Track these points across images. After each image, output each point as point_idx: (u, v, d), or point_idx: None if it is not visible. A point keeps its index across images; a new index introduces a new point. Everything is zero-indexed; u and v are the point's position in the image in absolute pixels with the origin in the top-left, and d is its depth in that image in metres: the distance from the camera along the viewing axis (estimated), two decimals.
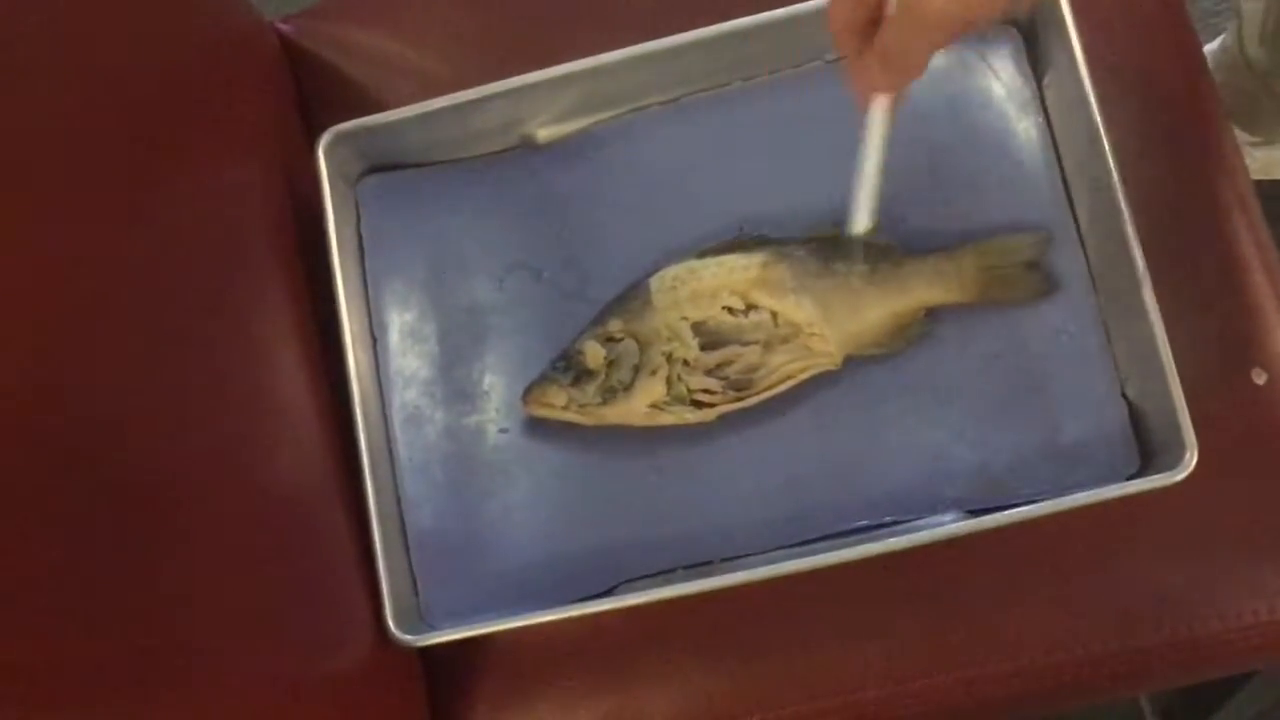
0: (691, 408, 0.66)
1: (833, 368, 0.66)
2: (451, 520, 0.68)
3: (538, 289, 0.70)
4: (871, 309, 0.65)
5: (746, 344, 0.66)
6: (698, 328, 0.66)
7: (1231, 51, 1.07)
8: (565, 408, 0.67)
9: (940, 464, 0.65)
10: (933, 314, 0.66)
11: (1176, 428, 0.61)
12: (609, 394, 0.66)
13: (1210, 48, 1.10)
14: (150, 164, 0.59)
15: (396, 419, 0.69)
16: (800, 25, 0.67)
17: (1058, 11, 0.65)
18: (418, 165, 0.73)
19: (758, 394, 0.66)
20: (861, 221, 0.62)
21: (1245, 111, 1.09)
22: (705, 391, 0.66)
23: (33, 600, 0.44)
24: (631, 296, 0.67)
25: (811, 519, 0.66)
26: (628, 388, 0.66)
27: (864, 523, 0.65)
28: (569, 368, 0.67)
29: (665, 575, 0.66)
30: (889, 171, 0.64)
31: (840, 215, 0.67)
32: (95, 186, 0.54)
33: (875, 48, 0.53)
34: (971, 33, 0.52)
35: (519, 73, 0.68)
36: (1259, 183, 0.71)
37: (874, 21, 0.54)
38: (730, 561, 0.66)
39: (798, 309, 0.65)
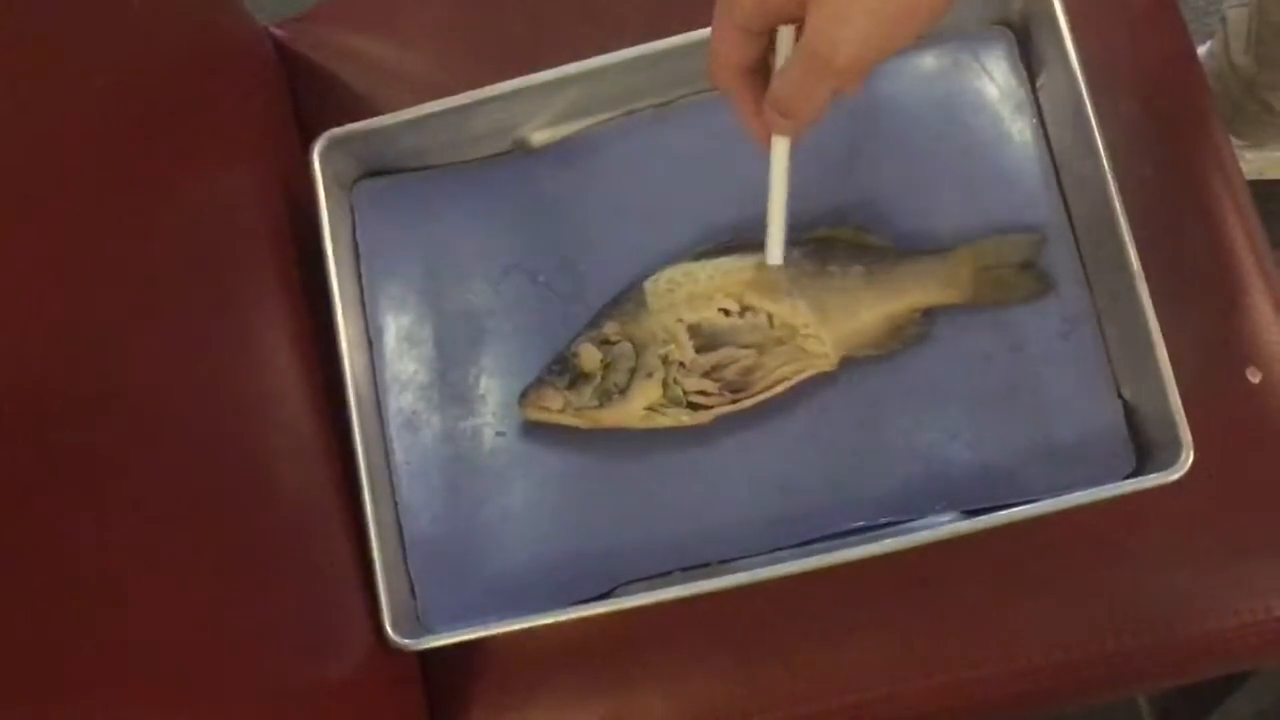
0: (688, 410, 0.66)
1: (829, 369, 0.66)
2: (449, 523, 0.68)
3: (533, 292, 0.70)
4: (867, 310, 0.66)
5: (742, 346, 0.66)
6: (693, 330, 0.66)
7: (1218, 58, 1.08)
8: (562, 411, 0.67)
9: (936, 465, 0.65)
10: (928, 315, 0.66)
11: (1172, 427, 0.61)
12: (605, 397, 0.66)
13: (1198, 53, 1.10)
14: (144, 169, 0.59)
15: (393, 423, 0.69)
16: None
17: (1051, 11, 0.65)
18: (412, 170, 0.73)
19: (754, 396, 0.66)
20: (774, 255, 0.61)
21: (1232, 117, 1.10)
22: (701, 394, 0.66)
23: (31, 604, 0.44)
24: (627, 299, 0.67)
25: (808, 520, 0.66)
26: (624, 391, 0.66)
27: (861, 524, 0.65)
28: (565, 371, 0.67)
29: (663, 577, 0.66)
30: (887, 171, 0.65)
31: (835, 218, 0.68)
32: (89, 191, 0.54)
33: (772, 97, 0.52)
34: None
35: (513, 76, 0.68)
36: (1252, 183, 0.72)
37: (762, 60, 0.53)
38: (728, 563, 0.66)
39: (793, 311, 0.65)
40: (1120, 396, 0.65)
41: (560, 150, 0.72)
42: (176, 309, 0.58)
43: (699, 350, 0.66)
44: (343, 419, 0.67)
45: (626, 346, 0.66)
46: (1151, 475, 0.61)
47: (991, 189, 0.67)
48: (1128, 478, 0.63)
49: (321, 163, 0.69)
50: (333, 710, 0.61)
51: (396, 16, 0.79)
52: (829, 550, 0.63)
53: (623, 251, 0.69)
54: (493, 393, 0.69)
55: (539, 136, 0.72)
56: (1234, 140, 1.13)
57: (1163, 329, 0.61)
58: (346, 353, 0.68)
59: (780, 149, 0.57)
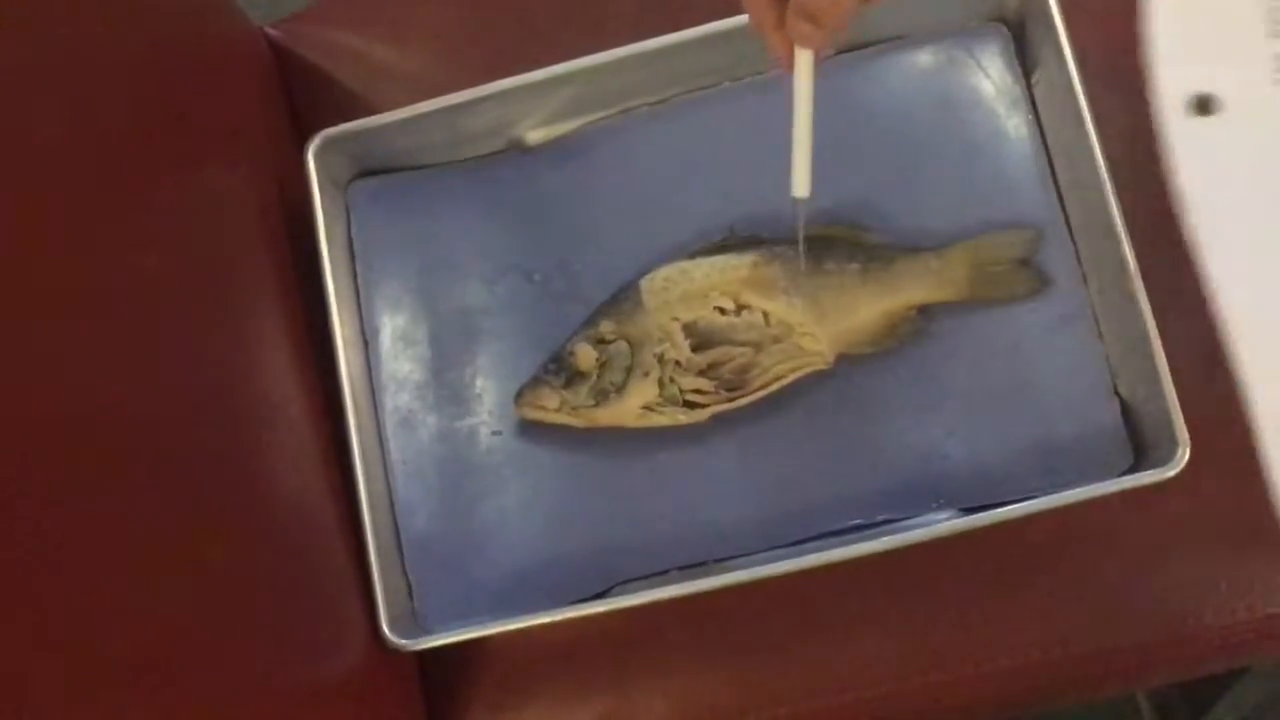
0: (684, 409, 0.66)
1: (825, 367, 0.66)
2: (445, 523, 0.68)
3: (529, 291, 0.70)
4: (863, 308, 0.66)
5: (738, 344, 0.66)
6: (689, 328, 0.66)
7: None
8: (558, 410, 0.67)
9: (933, 462, 0.65)
10: (924, 312, 0.66)
11: (1169, 424, 0.61)
12: (601, 396, 0.66)
13: None
14: (139, 170, 0.59)
15: (389, 423, 0.69)
16: None
17: (1045, 7, 0.65)
18: (408, 169, 0.73)
19: (750, 394, 0.66)
20: (801, 185, 0.58)
21: None
22: (697, 392, 0.66)
23: (31, 601, 0.44)
24: (623, 298, 0.67)
25: (805, 518, 0.66)
26: (620, 389, 0.66)
27: (858, 521, 0.65)
28: (561, 370, 0.67)
29: (660, 576, 0.66)
30: (882, 168, 0.64)
31: (830, 216, 0.67)
32: (83, 191, 0.54)
33: (797, 2, 0.50)
34: None
35: (508, 75, 0.68)
36: None
37: None
38: (724, 562, 0.66)
39: (789, 309, 0.65)
40: (1117, 393, 0.65)
41: (556, 149, 0.72)
42: (171, 310, 0.58)
43: (695, 349, 0.66)
44: (339, 419, 0.67)
45: (622, 345, 0.66)
46: (1148, 472, 0.61)
47: (987, 186, 0.67)
48: (1124, 474, 0.63)
49: (316, 162, 0.69)
50: (330, 711, 0.61)
51: (392, 15, 0.79)
52: (826, 548, 0.63)
53: (618, 250, 0.69)
54: (489, 392, 0.69)
55: (534, 135, 0.72)
56: None
57: (1159, 325, 0.61)
58: (342, 352, 0.68)
59: (805, 64, 0.54)
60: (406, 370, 0.70)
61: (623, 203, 0.70)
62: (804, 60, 0.54)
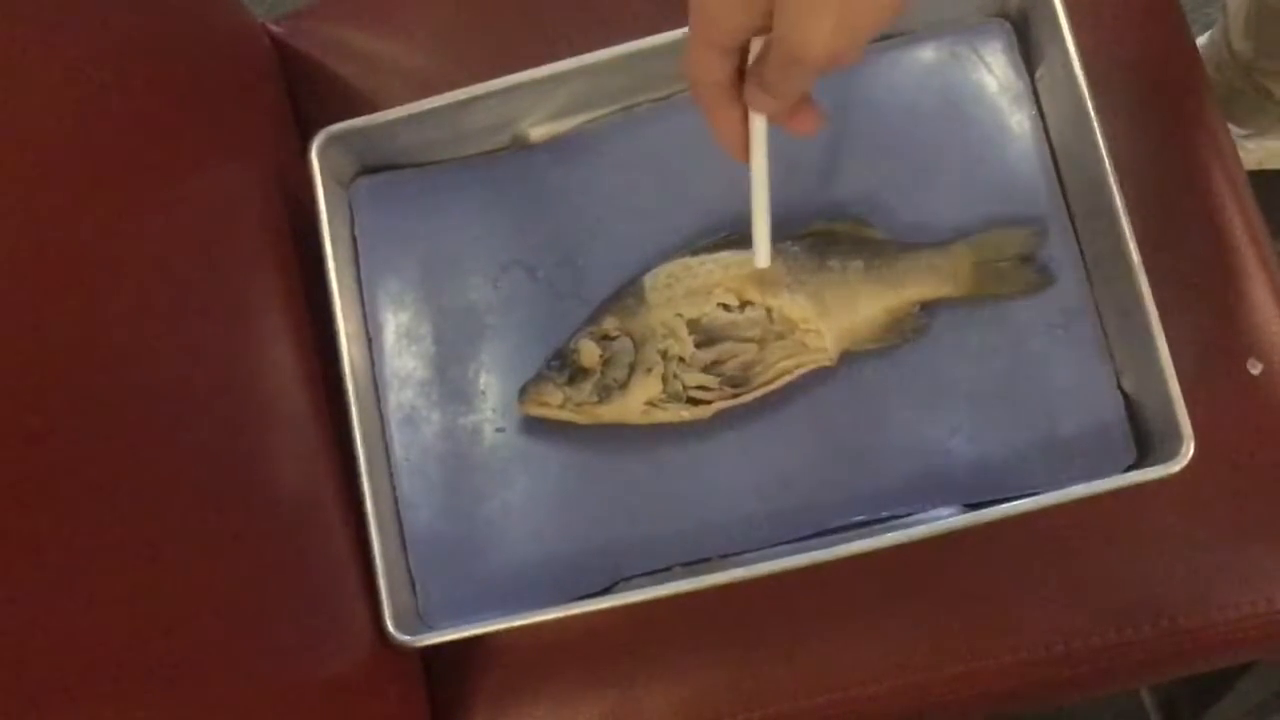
0: (688, 405, 0.66)
1: (828, 364, 0.66)
2: (449, 520, 0.68)
3: (533, 288, 0.70)
4: (866, 304, 0.65)
5: (742, 341, 0.65)
6: (693, 325, 0.66)
7: (1218, 45, 1.07)
8: (561, 407, 0.66)
9: (937, 458, 0.65)
10: (928, 308, 0.66)
11: (1173, 419, 0.61)
12: (605, 392, 0.66)
13: (1199, 42, 1.10)
14: (142, 166, 0.59)
15: (392, 420, 0.69)
16: None
17: (1049, 3, 0.65)
18: (411, 166, 0.72)
19: (754, 391, 0.66)
20: (762, 257, 0.61)
21: (1232, 105, 1.09)
22: (701, 389, 0.66)
23: (31, 599, 0.44)
24: (626, 294, 0.67)
25: (809, 515, 0.66)
26: (623, 386, 0.66)
27: (862, 518, 0.65)
28: (564, 366, 0.67)
29: (663, 573, 0.66)
30: (886, 164, 0.64)
31: (834, 212, 0.67)
32: (86, 189, 0.54)
33: (753, 79, 0.51)
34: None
35: (511, 72, 0.68)
36: (1253, 173, 0.71)
37: (740, 72, 0.52)
38: (728, 558, 0.66)
39: (793, 305, 0.65)
40: (1120, 389, 0.65)
41: (559, 145, 0.71)
42: (175, 307, 0.58)
43: (698, 345, 0.66)
44: (342, 416, 0.67)
45: (626, 342, 0.66)
46: (1152, 468, 0.61)
47: (991, 181, 0.67)
48: (1129, 469, 0.63)
49: (320, 159, 0.69)
50: (335, 708, 0.61)
51: (394, 12, 0.79)
52: (830, 545, 0.63)
53: (622, 247, 0.69)
54: (492, 389, 0.69)
55: (538, 132, 0.72)
56: (1234, 130, 1.13)
57: (1162, 321, 0.61)
58: (346, 349, 0.68)
59: (759, 133, 0.55)
60: (410, 367, 0.70)
61: (626, 199, 0.70)
62: (759, 129, 0.55)
